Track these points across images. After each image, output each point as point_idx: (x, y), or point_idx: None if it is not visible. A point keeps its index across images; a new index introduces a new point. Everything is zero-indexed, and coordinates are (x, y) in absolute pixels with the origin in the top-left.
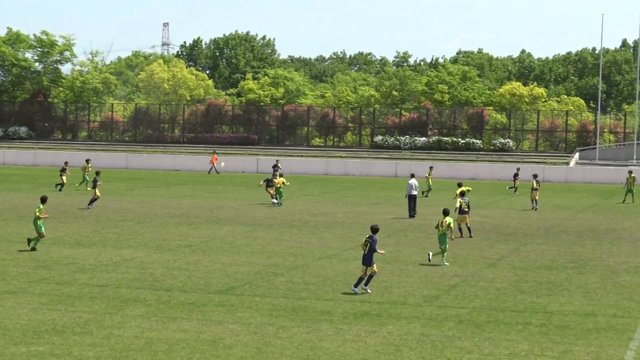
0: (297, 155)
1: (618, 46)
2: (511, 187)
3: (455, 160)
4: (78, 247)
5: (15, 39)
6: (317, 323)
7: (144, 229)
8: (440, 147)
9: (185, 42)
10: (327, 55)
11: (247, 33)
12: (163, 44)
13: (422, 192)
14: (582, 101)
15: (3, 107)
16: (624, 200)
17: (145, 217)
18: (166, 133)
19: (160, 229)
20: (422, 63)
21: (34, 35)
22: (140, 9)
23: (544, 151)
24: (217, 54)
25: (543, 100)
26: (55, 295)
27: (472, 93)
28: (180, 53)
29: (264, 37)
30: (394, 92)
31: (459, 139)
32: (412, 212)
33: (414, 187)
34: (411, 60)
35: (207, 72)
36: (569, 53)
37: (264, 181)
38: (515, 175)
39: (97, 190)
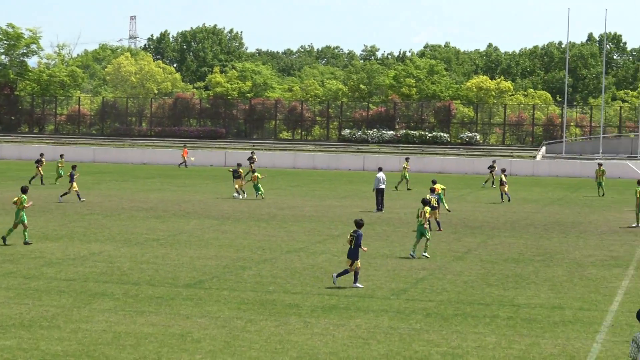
0: (265, 149)
1: (584, 40)
2: (487, 181)
3: (422, 153)
4: (45, 240)
5: None
6: (286, 316)
7: (111, 222)
8: (408, 141)
9: (152, 35)
10: (294, 49)
11: (215, 26)
12: (130, 37)
13: (395, 187)
14: (548, 95)
15: None
16: (599, 194)
17: (113, 210)
18: (133, 126)
19: (128, 223)
20: (389, 57)
21: (0, 28)
22: (107, 2)
23: (511, 145)
24: (185, 47)
25: (510, 94)
26: (22, 289)
27: (440, 87)
28: (147, 46)
29: (231, 31)
30: (362, 86)
31: (427, 133)
32: (379, 205)
33: (381, 180)
34: (379, 54)
35: (175, 65)
36: (535, 47)
37: (231, 171)
38: (491, 167)
39: (75, 184)
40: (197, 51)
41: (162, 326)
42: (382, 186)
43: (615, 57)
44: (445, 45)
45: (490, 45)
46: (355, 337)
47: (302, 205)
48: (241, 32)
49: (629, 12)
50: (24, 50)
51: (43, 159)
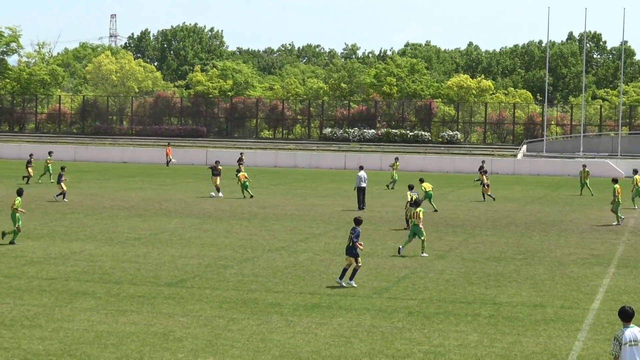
0: (246, 148)
1: (564, 39)
2: (478, 180)
3: (403, 152)
4: (26, 239)
5: None
6: (268, 315)
7: (92, 221)
8: (389, 140)
9: (132, 34)
10: (275, 48)
11: (195, 25)
12: (110, 36)
13: (387, 185)
14: (529, 94)
15: None
16: (581, 193)
17: (94, 209)
18: (114, 125)
19: (109, 222)
20: (370, 55)
21: None
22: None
23: (492, 143)
24: (165, 45)
25: (490, 92)
26: (3, 288)
27: (420, 85)
28: (128, 45)
29: (212, 29)
30: (343, 85)
31: (408, 131)
32: (361, 204)
33: (363, 179)
34: (359, 53)
35: (155, 64)
36: (516, 46)
37: (210, 168)
38: (481, 168)
39: (63, 185)
40: (178, 50)
41: (144, 325)
42: (364, 185)
43: (595, 56)
44: (425, 44)
45: (470, 44)
46: (338, 335)
47: (283, 204)
48: (222, 31)
49: (608, 12)
50: (4, 49)
51: (32, 159)
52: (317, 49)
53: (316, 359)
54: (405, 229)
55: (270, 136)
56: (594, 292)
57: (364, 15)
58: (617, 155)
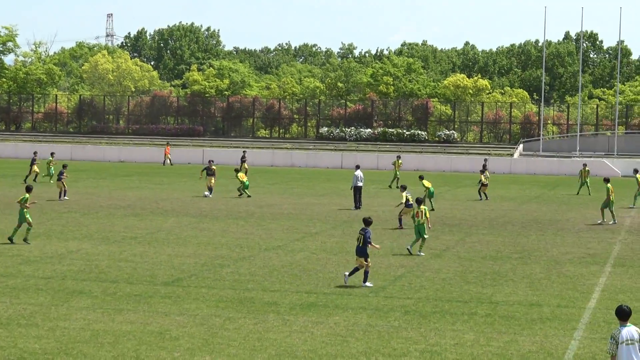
0: (243, 147)
1: (561, 38)
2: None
3: (400, 151)
4: (22, 238)
5: None
6: (264, 314)
7: (89, 220)
8: (386, 139)
9: (129, 33)
10: (272, 47)
11: (192, 24)
12: (107, 35)
13: (389, 185)
14: (525, 93)
15: None
16: (578, 192)
17: (91, 208)
18: (111, 124)
19: (106, 221)
20: (367, 55)
21: None
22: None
23: (488, 142)
24: (162, 45)
25: (487, 92)
26: None
27: (417, 85)
28: (124, 44)
29: (208, 29)
30: (339, 84)
31: (404, 131)
32: (357, 203)
33: (359, 178)
34: (356, 52)
35: (152, 63)
36: (512, 45)
37: (204, 170)
38: (484, 167)
39: (64, 183)
40: (174, 49)
41: (140, 324)
42: (360, 184)
43: (591, 55)
44: (422, 44)
45: (467, 43)
46: (334, 334)
47: (280, 203)
48: (218, 30)
49: (605, 11)
50: (1, 48)
51: (37, 157)
52: (314, 49)
53: (312, 358)
54: (398, 228)
55: (266, 135)
56: (590, 291)
57: (361, 15)
58: (613, 155)
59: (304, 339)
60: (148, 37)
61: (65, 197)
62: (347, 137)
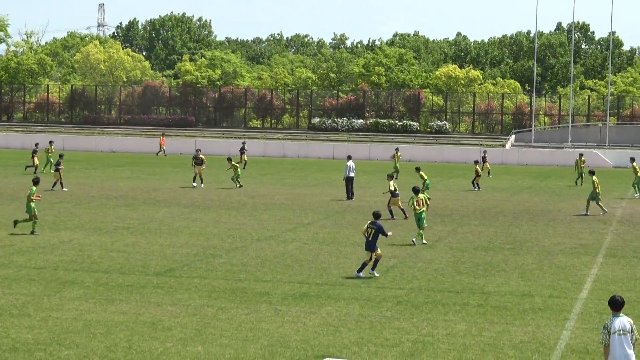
0: (235, 137)
1: (553, 29)
2: (488, 172)
3: (392, 142)
4: (15, 229)
5: None
6: (256, 304)
7: (81, 211)
8: (378, 129)
9: (121, 23)
10: (264, 37)
11: (184, 14)
12: (99, 25)
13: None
14: (517, 84)
15: None
16: (577, 183)
17: (83, 199)
18: (103, 114)
19: (98, 211)
20: (359, 45)
21: None
22: None
23: (480, 133)
24: (153, 35)
25: (479, 82)
26: None
27: (409, 75)
28: (116, 34)
29: (200, 19)
30: (331, 74)
31: (396, 121)
32: (349, 194)
33: (351, 169)
34: (348, 43)
35: (144, 53)
36: (504, 36)
37: (193, 159)
38: (483, 158)
39: (60, 173)
40: (166, 39)
41: (132, 314)
42: (352, 175)
43: (583, 46)
44: (414, 34)
45: (459, 34)
46: (326, 324)
47: (272, 193)
48: (210, 21)
49: (597, 2)
50: None
51: (38, 149)
52: (306, 39)
53: (305, 348)
54: (389, 219)
55: (258, 126)
56: (582, 282)
57: (353, 6)
58: (605, 146)
59: (297, 329)
60: (140, 27)
61: (64, 189)
62: (339, 127)
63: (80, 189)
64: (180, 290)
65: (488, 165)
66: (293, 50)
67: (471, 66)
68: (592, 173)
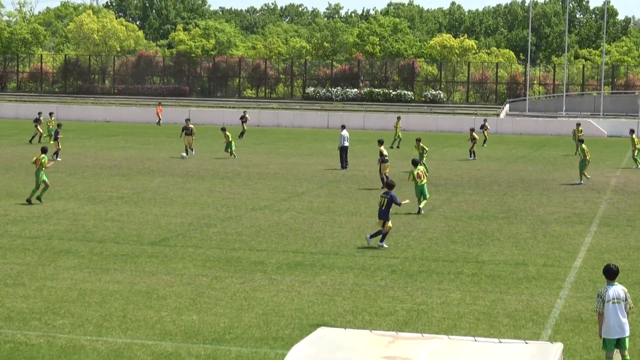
0: (229, 107)
1: None
2: (485, 141)
3: (386, 111)
4: (9, 198)
5: None
6: (251, 273)
7: (75, 180)
8: (372, 99)
9: None
10: (258, 7)
11: None
12: None
13: (391, 146)
14: (512, 53)
15: None
16: (576, 153)
17: (77, 168)
18: (96, 84)
19: (92, 181)
20: (353, 15)
21: None
22: None
23: (475, 103)
24: (147, 4)
25: (473, 52)
26: None
27: (403, 45)
28: (109, 4)
29: None
30: (326, 44)
31: (390, 91)
32: (344, 163)
33: (345, 138)
34: (342, 12)
35: (137, 23)
36: (498, 5)
37: (182, 129)
38: (482, 126)
39: (58, 142)
40: (160, 9)
41: (127, 283)
42: (346, 144)
43: (578, 15)
44: (408, 4)
45: (453, 3)
46: (321, 293)
47: (266, 163)
48: None
49: None
50: None
51: (41, 117)
52: (300, 9)
53: (300, 317)
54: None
55: (253, 95)
56: (576, 251)
57: None
58: (599, 115)
59: (291, 298)
60: None
61: (58, 159)
62: (334, 97)
63: (75, 159)
64: (174, 260)
65: (486, 134)
66: (287, 19)
67: (465, 36)
68: (581, 141)
